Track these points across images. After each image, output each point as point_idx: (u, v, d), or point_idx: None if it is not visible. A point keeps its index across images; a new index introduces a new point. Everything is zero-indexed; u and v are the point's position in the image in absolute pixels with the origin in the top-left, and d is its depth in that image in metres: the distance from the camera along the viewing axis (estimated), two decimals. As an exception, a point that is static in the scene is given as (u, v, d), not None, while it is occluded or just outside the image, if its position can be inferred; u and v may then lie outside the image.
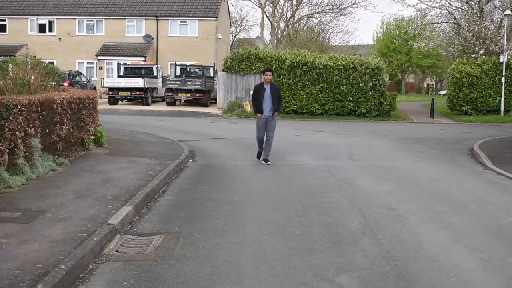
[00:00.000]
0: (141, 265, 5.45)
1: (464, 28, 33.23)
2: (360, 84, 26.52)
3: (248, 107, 26.69)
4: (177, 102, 31.47)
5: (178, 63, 35.02)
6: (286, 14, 53.22)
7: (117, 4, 43.18)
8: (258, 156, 12.28)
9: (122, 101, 32.36)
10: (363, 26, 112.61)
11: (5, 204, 7.10)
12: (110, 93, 31.05)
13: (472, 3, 34.39)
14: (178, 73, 33.12)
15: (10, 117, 8.22)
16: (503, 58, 27.59)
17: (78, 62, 42.02)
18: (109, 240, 6.12)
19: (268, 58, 27.38)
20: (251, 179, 10.06)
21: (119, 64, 34.58)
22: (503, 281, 5.25)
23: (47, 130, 9.75)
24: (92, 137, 12.28)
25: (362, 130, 21.14)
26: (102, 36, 42.23)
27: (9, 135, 8.16)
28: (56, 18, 42.61)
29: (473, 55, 31.61)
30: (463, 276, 5.32)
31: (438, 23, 38.22)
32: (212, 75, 32.70)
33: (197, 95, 30.17)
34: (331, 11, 51.00)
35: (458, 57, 34.38)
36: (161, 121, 22.91)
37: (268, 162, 11.79)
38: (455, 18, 35.59)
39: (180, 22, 42.28)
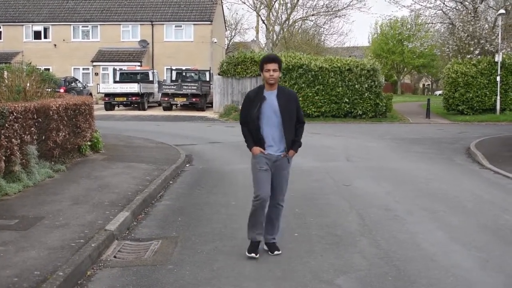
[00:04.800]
0: (139, 271, 5.44)
1: (459, 28, 33.31)
2: (356, 86, 26.53)
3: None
4: (174, 107, 31.47)
5: (173, 67, 35.04)
6: (281, 17, 53.29)
7: (112, 10, 43.19)
8: (252, 249, 5.89)
9: (118, 106, 32.35)
10: (358, 27, 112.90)
11: (2, 212, 7.09)
12: (106, 99, 31.01)
13: (466, 3, 34.49)
14: (174, 78, 33.13)
15: (6, 125, 8.20)
16: (498, 57, 27.66)
17: (74, 68, 41.99)
18: (107, 246, 6.11)
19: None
20: (249, 183, 10.01)
21: (114, 70, 34.57)
22: (502, 279, 5.26)
23: (44, 137, 9.73)
24: (89, 143, 12.26)
25: (359, 131, 21.16)
26: (98, 42, 42.23)
27: (5, 143, 8.14)
28: (51, 24, 42.59)
29: (469, 55, 31.67)
30: (462, 275, 5.33)
31: (432, 23, 38.33)
32: (208, 79, 32.72)
33: (193, 100, 30.17)
34: (325, 13, 51.10)
35: (453, 57, 34.45)
36: (157, 126, 22.91)
37: (276, 252, 6.00)
38: (449, 18, 35.68)
39: (175, 26, 42.28)
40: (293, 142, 5.91)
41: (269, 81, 5.83)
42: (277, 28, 52.76)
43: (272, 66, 5.80)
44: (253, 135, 5.88)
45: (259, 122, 5.81)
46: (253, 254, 5.81)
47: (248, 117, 5.88)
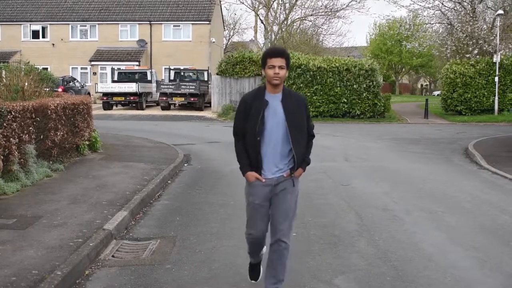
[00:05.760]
0: (138, 270, 5.43)
1: (457, 28, 33.34)
2: (354, 86, 26.56)
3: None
4: (172, 107, 31.44)
5: (172, 67, 35.01)
6: (280, 17, 53.28)
7: (110, 9, 43.16)
8: (254, 275, 5.08)
9: (116, 106, 32.30)
10: (357, 27, 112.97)
11: (0, 211, 7.07)
12: (104, 98, 31.00)
13: (465, 3, 34.51)
14: (172, 77, 33.10)
15: (4, 124, 8.19)
16: (496, 58, 27.69)
17: (72, 68, 41.95)
18: (105, 245, 6.10)
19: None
20: (247, 182, 10.04)
21: (113, 69, 34.54)
22: (500, 280, 5.26)
23: (42, 136, 9.72)
24: (87, 143, 12.24)
25: (357, 131, 21.17)
26: (96, 41, 42.19)
27: (4, 142, 8.13)
28: (50, 24, 42.54)
29: (468, 55, 31.70)
30: (460, 275, 5.33)
31: (430, 23, 38.30)
32: (206, 78, 32.70)
33: (192, 99, 30.16)
34: (324, 13, 51.09)
35: (452, 57, 34.48)
36: (155, 125, 22.89)
37: None
38: (448, 19, 35.69)
39: (174, 26, 42.27)
40: (302, 159, 4.65)
41: (273, 81, 4.44)
42: (275, 28, 52.76)
43: (278, 61, 4.42)
44: (249, 154, 4.57)
45: (261, 136, 4.47)
46: (253, 281, 5.05)
47: (247, 128, 4.52)
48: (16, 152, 8.51)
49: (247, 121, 4.52)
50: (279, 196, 4.60)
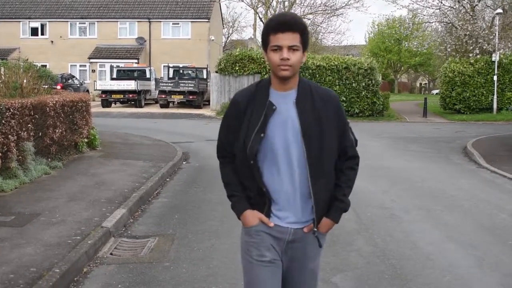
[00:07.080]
0: (136, 268, 5.43)
1: (458, 27, 33.34)
2: (353, 84, 26.56)
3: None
4: (171, 104, 31.43)
5: (171, 65, 34.96)
6: (279, 15, 53.22)
7: (109, 7, 43.12)
8: None
9: (115, 103, 32.29)
10: (356, 26, 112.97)
11: (-2, 208, 7.08)
12: (103, 96, 30.98)
13: (464, 1, 34.52)
14: (171, 75, 33.07)
15: (3, 121, 8.18)
16: (495, 57, 27.71)
17: (71, 65, 41.90)
18: (103, 243, 6.10)
19: (262, 59, 27.37)
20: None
21: (111, 67, 34.53)
22: (498, 278, 5.26)
23: (40, 134, 9.70)
24: (86, 140, 12.23)
25: (356, 130, 20.72)
26: (95, 38, 42.14)
27: (2, 139, 8.11)
28: (48, 21, 42.49)
29: (470, 55, 31.71)
30: (458, 274, 5.34)
31: (430, 22, 38.33)
32: (205, 76, 32.67)
33: (191, 97, 30.14)
34: (323, 12, 51.09)
35: (451, 56, 34.52)
36: (154, 123, 22.87)
37: None
38: (446, 17, 35.69)
39: (173, 24, 42.25)
40: (331, 201, 2.95)
41: (279, 71, 2.67)
42: (274, 26, 52.69)
43: (288, 39, 2.61)
44: (246, 184, 2.89)
45: (259, 159, 2.76)
46: None
47: (237, 145, 2.86)
48: (15, 149, 8.50)
49: (239, 133, 2.83)
50: (296, 263, 2.90)
